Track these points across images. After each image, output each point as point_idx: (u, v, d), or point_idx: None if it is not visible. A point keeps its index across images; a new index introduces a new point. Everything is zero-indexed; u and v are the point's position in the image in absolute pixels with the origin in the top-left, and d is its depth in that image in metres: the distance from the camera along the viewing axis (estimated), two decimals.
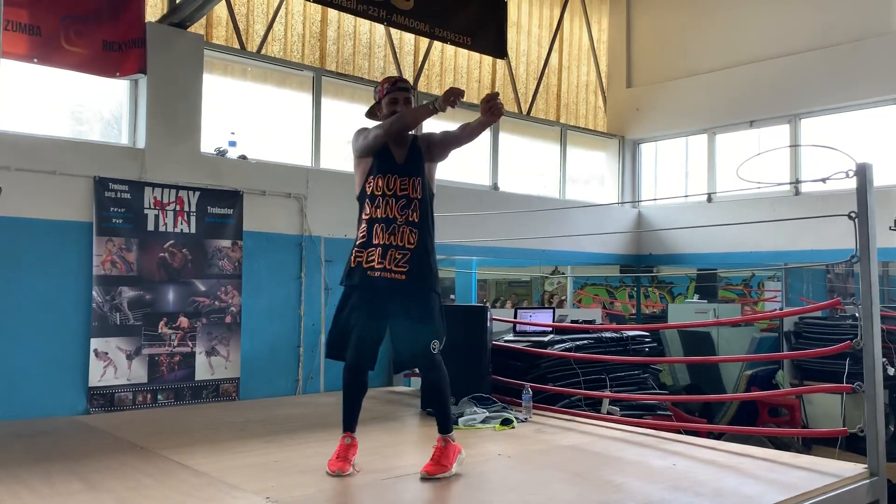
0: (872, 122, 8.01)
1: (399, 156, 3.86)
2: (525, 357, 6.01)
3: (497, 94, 3.58)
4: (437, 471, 3.67)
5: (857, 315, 8.79)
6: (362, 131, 3.93)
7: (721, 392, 8.90)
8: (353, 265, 3.77)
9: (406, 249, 3.72)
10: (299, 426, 5.05)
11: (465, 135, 3.81)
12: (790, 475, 3.78)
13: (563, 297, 12.64)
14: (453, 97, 3.60)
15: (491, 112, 3.56)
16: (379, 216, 3.75)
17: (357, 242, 3.80)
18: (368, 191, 3.81)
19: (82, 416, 5.34)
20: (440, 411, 3.85)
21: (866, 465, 3.87)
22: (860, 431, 3.93)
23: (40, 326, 5.30)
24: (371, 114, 4.10)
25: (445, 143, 3.92)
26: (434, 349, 3.73)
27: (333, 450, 3.81)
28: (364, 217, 3.82)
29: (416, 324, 3.72)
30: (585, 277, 13.09)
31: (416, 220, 3.76)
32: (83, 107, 5.96)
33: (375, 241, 3.73)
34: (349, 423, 3.85)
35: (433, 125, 4.29)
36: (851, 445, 6.88)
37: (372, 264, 3.70)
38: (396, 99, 3.91)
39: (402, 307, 3.74)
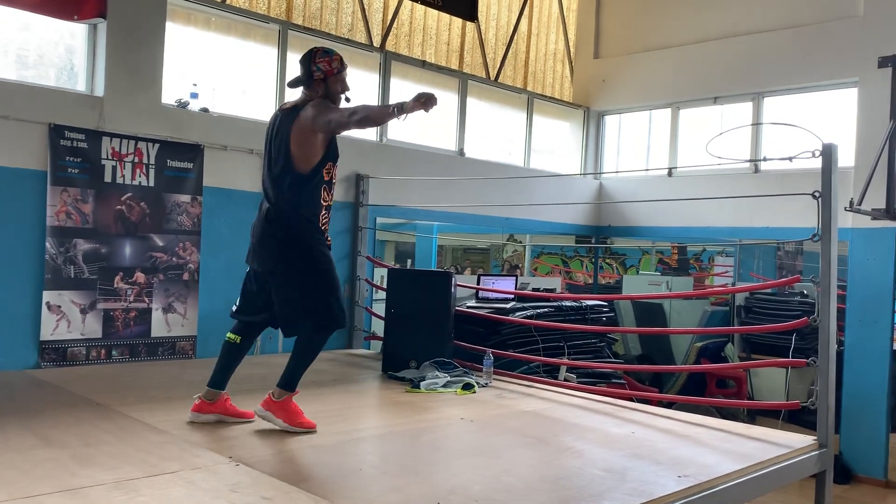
0: (831, 104, 8.16)
1: None
2: (487, 323, 6.05)
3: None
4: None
5: (804, 292, 9.05)
6: (330, 108, 3.73)
7: (670, 362, 9.11)
8: (328, 244, 3.89)
9: None
10: (258, 386, 4.95)
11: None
12: (744, 445, 3.89)
13: (520, 265, 12.75)
14: (426, 102, 3.45)
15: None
16: (331, 203, 3.88)
17: (322, 226, 3.83)
18: (327, 177, 3.82)
19: (33, 371, 5.19)
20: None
21: (815, 437, 4.01)
22: (811, 405, 4.06)
23: None
24: (299, 84, 3.85)
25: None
26: None
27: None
28: (324, 203, 3.81)
29: None
30: (541, 246, 13.21)
31: None
32: (37, 50, 5.69)
33: (327, 226, 3.92)
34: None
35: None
36: (793, 418, 7.15)
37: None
38: (344, 79, 3.87)
39: None
